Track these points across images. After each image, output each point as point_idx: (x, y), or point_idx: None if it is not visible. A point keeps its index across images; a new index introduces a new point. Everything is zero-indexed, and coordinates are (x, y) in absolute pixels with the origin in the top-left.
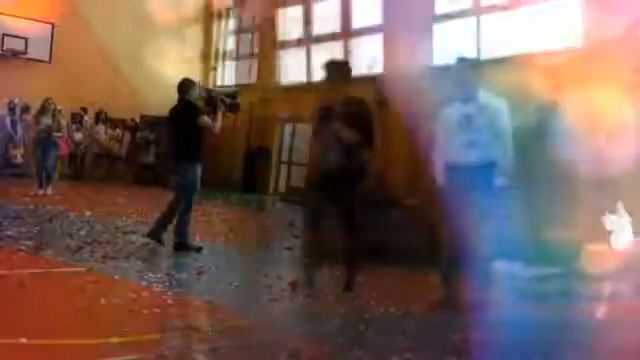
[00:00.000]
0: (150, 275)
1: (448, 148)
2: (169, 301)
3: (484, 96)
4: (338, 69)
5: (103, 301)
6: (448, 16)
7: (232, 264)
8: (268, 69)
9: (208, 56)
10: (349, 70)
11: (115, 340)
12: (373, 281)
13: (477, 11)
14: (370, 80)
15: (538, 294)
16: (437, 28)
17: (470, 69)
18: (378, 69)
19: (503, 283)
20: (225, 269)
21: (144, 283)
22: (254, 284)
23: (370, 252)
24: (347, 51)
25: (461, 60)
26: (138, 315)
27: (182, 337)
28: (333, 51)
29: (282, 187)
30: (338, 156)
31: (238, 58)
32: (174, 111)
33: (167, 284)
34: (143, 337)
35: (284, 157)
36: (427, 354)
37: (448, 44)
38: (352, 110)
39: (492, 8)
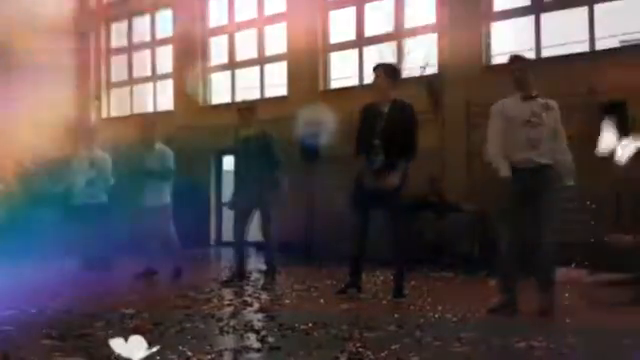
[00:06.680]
0: None
1: (512, 146)
2: None
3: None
4: (386, 72)
5: None
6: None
7: None
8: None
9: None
10: (397, 72)
11: None
12: (428, 286)
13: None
14: (424, 81)
15: (602, 300)
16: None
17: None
18: (432, 70)
19: (566, 288)
20: None
21: None
22: None
23: (425, 257)
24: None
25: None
26: None
27: None
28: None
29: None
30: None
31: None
32: None
33: None
34: None
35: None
36: None
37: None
38: (398, 113)
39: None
